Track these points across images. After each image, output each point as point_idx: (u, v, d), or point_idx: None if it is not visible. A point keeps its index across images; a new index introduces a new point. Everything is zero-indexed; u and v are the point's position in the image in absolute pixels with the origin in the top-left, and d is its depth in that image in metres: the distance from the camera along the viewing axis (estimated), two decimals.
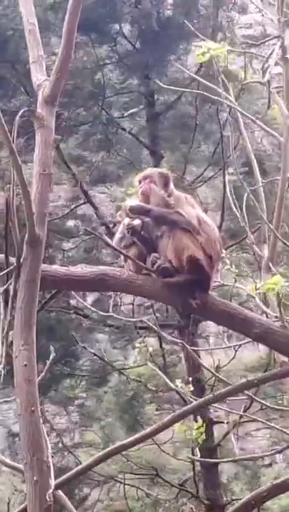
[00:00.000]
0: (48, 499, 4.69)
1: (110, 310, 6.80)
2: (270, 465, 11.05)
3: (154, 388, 14.63)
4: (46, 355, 5.42)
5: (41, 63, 5.16)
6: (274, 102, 5.84)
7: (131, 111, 15.74)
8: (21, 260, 4.88)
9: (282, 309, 5.39)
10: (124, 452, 13.87)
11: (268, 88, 5.62)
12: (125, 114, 15.67)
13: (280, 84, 5.73)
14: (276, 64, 5.59)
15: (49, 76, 5.09)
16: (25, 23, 5.19)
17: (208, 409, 12.48)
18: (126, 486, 14.34)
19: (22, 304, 4.86)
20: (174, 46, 14.73)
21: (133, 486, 14.43)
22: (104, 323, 14.52)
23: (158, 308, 12.79)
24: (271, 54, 5.41)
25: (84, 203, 14.81)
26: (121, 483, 14.41)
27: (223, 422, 12.81)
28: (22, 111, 4.91)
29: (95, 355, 14.76)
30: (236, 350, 8.88)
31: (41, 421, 4.82)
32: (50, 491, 4.72)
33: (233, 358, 9.82)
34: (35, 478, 4.68)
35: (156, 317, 10.01)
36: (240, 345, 7.45)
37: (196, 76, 6.19)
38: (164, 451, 13.49)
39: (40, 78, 5.10)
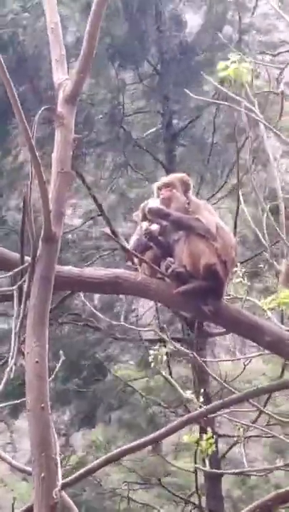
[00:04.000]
0: (55, 496, 4.49)
1: (122, 319, 6.59)
2: (270, 472, 10.81)
3: (161, 402, 14.44)
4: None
5: (63, 62, 5.01)
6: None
7: (149, 131, 15.64)
8: (36, 257, 4.69)
9: None
10: (129, 462, 13.88)
11: (282, 99, 5.43)
12: (144, 135, 15.54)
13: None
14: None
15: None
16: (48, 22, 5.03)
17: (214, 422, 12.25)
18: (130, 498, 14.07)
19: (35, 301, 4.67)
20: (194, 70, 14.58)
21: (135, 501, 14.09)
22: (113, 335, 14.34)
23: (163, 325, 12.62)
24: (287, 66, 5.22)
25: (99, 215, 14.59)
26: (123, 496, 14.10)
27: (228, 436, 12.54)
28: (42, 108, 4.74)
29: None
30: (246, 365, 8.70)
31: (50, 418, 4.62)
32: (58, 488, 4.53)
33: (243, 371, 9.63)
34: (42, 475, 4.50)
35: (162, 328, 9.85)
36: (250, 358, 7.28)
37: (219, 86, 5.92)
38: (168, 462, 13.23)
39: (62, 77, 4.94)
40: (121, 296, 14.21)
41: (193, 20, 15.59)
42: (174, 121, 15.28)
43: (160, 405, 14.60)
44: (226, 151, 14.92)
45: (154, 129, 15.56)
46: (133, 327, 11.14)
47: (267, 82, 6.19)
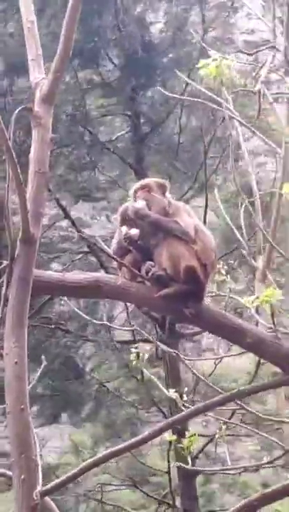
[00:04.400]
0: (35, 497, 4.45)
1: (105, 319, 6.49)
2: (256, 470, 10.76)
3: (135, 403, 14.36)
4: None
5: (39, 62, 4.91)
6: (266, 109, 5.58)
7: (117, 135, 15.53)
8: (14, 259, 4.63)
9: (275, 320, 5.13)
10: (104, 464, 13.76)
11: (259, 97, 5.35)
12: (113, 138, 15.43)
13: (279, 90, 5.47)
14: (275, 70, 5.33)
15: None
16: (24, 22, 4.91)
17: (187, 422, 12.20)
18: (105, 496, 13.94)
19: (14, 302, 4.62)
20: (161, 69, 14.51)
21: (108, 504, 13.95)
22: (85, 337, 14.23)
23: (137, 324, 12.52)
24: (264, 64, 5.15)
25: (64, 218, 14.45)
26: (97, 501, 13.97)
27: (204, 436, 12.45)
28: (19, 109, 4.62)
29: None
30: (216, 364, 8.65)
31: (30, 419, 4.57)
32: (38, 489, 4.49)
33: (214, 371, 9.56)
34: (22, 477, 4.46)
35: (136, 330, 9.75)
36: (221, 358, 7.25)
37: (193, 83, 5.83)
38: (142, 463, 13.14)
39: (38, 77, 4.84)
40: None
41: (157, 20, 15.51)
42: (142, 124, 15.14)
43: (134, 406, 14.51)
44: (194, 151, 14.84)
45: (122, 132, 15.45)
46: (115, 326, 11.03)
47: (249, 80, 6.12)
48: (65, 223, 14.92)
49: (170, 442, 6.18)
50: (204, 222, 13.03)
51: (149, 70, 14.67)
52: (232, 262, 13.13)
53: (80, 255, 14.70)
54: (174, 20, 15.15)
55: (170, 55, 14.91)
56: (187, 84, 13.14)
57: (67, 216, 14.33)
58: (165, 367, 13.19)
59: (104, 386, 14.34)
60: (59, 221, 14.87)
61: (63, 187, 15.21)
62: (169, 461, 12.66)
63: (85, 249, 14.59)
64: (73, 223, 14.29)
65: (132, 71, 14.89)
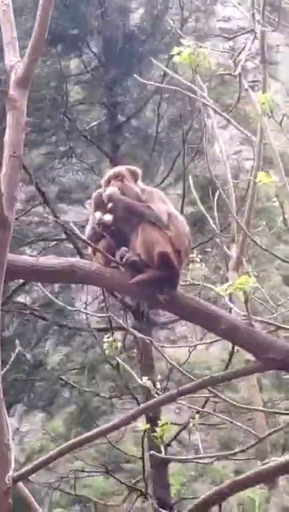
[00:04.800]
0: (8, 482, 4.46)
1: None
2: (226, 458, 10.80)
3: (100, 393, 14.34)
4: None
5: (15, 45, 4.85)
6: (244, 97, 5.55)
7: (94, 123, 15.45)
8: None
9: (249, 307, 5.11)
10: (77, 450, 13.74)
11: (240, 81, 5.32)
12: (87, 127, 15.34)
13: (255, 79, 5.44)
14: (251, 58, 5.30)
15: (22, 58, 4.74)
16: None
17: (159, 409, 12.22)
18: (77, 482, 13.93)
19: None
20: (139, 58, 14.42)
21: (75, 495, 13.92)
22: (57, 323, 14.16)
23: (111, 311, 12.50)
24: (244, 48, 5.11)
25: (40, 204, 14.34)
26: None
27: (177, 424, 12.44)
28: None
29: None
30: (190, 352, 8.62)
31: (3, 404, 4.52)
32: (10, 473, 4.49)
33: (188, 358, 9.54)
34: None
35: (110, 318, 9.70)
36: (195, 345, 7.23)
37: (169, 71, 5.77)
38: (118, 449, 13.13)
39: (13, 60, 4.77)
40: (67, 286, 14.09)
41: (136, 8, 15.42)
42: (119, 112, 15.08)
43: (99, 396, 14.47)
44: (170, 140, 14.81)
45: (97, 122, 15.37)
46: (90, 313, 10.97)
47: (225, 68, 6.09)
48: (40, 209, 14.81)
49: (145, 430, 6.13)
50: (181, 211, 13.04)
51: (128, 60, 14.59)
52: (209, 250, 13.17)
53: (56, 242, 14.62)
54: (153, 9, 15.08)
55: (149, 45, 14.81)
56: (165, 73, 13.10)
57: (45, 201, 14.21)
58: (139, 355, 13.17)
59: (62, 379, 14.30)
60: (36, 206, 14.74)
61: (41, 172, 15.14)
62: (143, 448, 12.64)
63: (62, 236, 14.51)
64: (51, 208, 14.18)
65: (111, 60, 14.82)
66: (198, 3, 15.78)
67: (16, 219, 13.03)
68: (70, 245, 14.14)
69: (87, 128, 15.30)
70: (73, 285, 13.92)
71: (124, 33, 14.61)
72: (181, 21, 14.87)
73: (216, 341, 5.92)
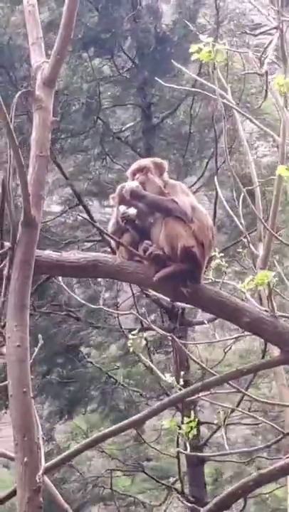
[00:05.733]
0: (38, 480, 4.48)
1: (101, 303, 6.51)
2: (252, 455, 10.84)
3: (141, 391, 14.41)
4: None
5: (40, 45, 4.97)
6: (263, 93, 5.58)
7: (128, 125, 15.58)
8: (16, 242, 4.68)
9: (273, 301, 5.19)
10: (110, 449, 13.83)
11: (266, 79, 5.36)
12: (123, 128, 15.48)
13: (271, 75, 5.49)
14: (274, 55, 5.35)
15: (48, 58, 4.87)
16: (24, 4, 4.97)
17: (195, 408, 12.29)
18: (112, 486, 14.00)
19: (16, 285, 4.66)
20: (171, 61, 14.49)
21: (115, 491, 13.99)
22: (92, 324, 14.29)
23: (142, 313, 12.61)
24: (269, 44, 5.16)
25: (77, 205, 14.48)
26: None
27: (210, 423, 12.51)
28: (20, 92, 4.70)
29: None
30: (226, 352, 8.63)
31: (32, 402, 4.61)
32: (41, 472, 4.53)
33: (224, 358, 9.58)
34: (25, 460, 4.49)
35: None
36: (228, 340, 7.26)
37: (193, 75, 5.87)
38: (151, 446, 13.20)
39: (39, 60, 4.89)
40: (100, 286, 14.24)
41: (167, 11, 15.52)
42: (152, 114, 15.19)
43: (141, 395, 14.58)
44: (203, 140, 14.88)
45: (131, 123, 15.49)
46: (112, 311, 11.06)
47: (245, 65, 6.15)
48: (75, 211, 14.94)
49: (179, 427, 6.18)
50: (214, 211, 13.11)
51: (160, 61, 14.70)
52: (241, 250, 13.20)
53: (92, 244, 14.75)
54: (185, 10, 15.16)
55: (180, 46, 14.88)
56: (198, 73, 13.15)
57: (80, 203, 14.36)
58: (173, 354, 13.25)
59: (111, 377, 14.42)
60: (73, 207, 14.89)
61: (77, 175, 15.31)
62: (178, 447, 12.69)
63: (97, 238, 14.64)
64: (87, 210, 14.32)
65: (144, 62, 14.95)
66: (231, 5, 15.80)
67: (46, 222, 13.32)
68: (105, 247, 14.26)
69: (123, 129, 15.44)
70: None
71: (156, 34, 14.72)
72: (216, 22, 14.92)
73: (242, 336, 5.96)
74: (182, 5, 15.23)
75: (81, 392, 14.82)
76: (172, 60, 7.13)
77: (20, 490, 4.53)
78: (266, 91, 6.15)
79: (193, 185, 14.20)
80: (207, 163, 14.53)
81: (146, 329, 9.67)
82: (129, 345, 5.95)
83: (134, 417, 5.34)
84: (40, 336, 5.34)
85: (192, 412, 6.25)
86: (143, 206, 5.14)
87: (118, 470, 14.34)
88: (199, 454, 11.49)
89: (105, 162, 15.33)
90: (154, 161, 5.48)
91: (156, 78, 7.96)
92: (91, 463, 14.72)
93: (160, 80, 7.10)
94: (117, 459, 14.33)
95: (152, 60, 14.80)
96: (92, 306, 6.75)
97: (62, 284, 6.11)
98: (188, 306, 6.31)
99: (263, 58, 6.01)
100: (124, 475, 14.63)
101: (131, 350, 5.90)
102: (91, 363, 14.63)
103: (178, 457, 11.67)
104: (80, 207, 14.47)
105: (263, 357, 10.69)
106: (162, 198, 5.18)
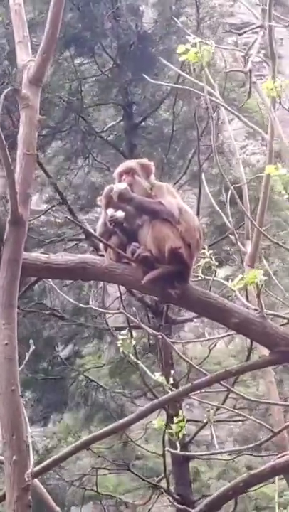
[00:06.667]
0: (27, 479, 4.47)
1: (90, 302, 6.44)
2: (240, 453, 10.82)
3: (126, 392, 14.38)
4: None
5: (26, 44, 4.91)
6: (254, 91, 5.55)
7: (110, 124, 15.51)
8: (4, 240, 4.64)
9: (262, 301, 5.14)
10: (96, 448, 13.78)
11: (250, 77, 5.33)
12: (105, 128, 15.41)
13: (259, 73, 5.45)
14: (257, 52, 5.31)
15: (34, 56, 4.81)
16: (11, 4, 4.91)
17: (181, 407, 12.22)
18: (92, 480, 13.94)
19: (4, 283, 4.63)
20: (153, 59, 14.45)
21: (98, 493, 13.91)
22: (77, 323, 14.22)
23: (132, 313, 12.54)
24: (253, 43, 5.12)
25: (60, 204, 14.39)
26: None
27: (197, 421, 12.44)
28: (7, 90, 4.62)
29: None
30: (211, 349, 8.61)
31: (21, 401, 4.58)
32: (29, 470, 4.51)
33: (208, 356, 9.56)
34: (14, 458, 4.48)
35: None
36: (215, 339, 7.22)
37: (180, 71, 5.81)
38: (137, 445, 13.15)
39: (25, 59, 4.83)
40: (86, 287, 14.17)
41: (148, 9, 15.45)
42: (134, 113, 15.12)
43: (124, 395, 14.52)
44: (186, 139, 14.83)
45: (113, 122, 15.43)
46: (102, 310, 11.02)
47: (231, 63, 6.11)
48: (59, 209, 14.85)
49: (166, 426, 6.12)
50: (198, 209, 13.07)
51: (142, 60, 14.63)
52: (228, 248, 13.19)
53: (75, 243, 14.66)
54: (166, 9, 15.10)
55: (162, 45, 14.84)
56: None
57: (64, 202, 14.26)
58: (158, 353, 13.20)
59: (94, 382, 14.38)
60: (56, 205, 14.78)
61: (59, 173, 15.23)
62: (164, 446, 12.67)
63: (81, 236, 14.55)
64: (70, 209, 14.23)
65: (125, 61, 14.87)
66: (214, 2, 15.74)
67: (31, 220, 13.23)
68: (90, 246, 14.19)
69: (104, 129, 15.38)
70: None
71: (137, 33, 14.65)
72: (197, 20, 14.85)
73: (229, 335, 5.92)
74: (164, 3, 15.16)
75: (62, 394, 14.74)
76: (159, 57, 7.04)
77: (8, 489, 4.51)
78: (250, 89, 6.12)
79: (176, 182, 14.14)
80: (190, 161, 14.46)
81: (135, 328, 9.64)
82: (118, 344, 5.91)
83: (123, 419, 5.30)
84: (31, 341, 5.27)
85: (180, 411, 6.19)
86: (131, 208, 5.09)
87: (104, 469, 14.27)
88: (188, 453, 11.41)
89: (88, 161, 15.25)
90: (141, 162, 5.45)
91: (143, 74, 7.83)
92: (78, 462, 14.66)
93: (146, 76, 6.94)
94: (104, 458, 14.25)
95: (134, 59, 14.72)
96: (82, 305, 6.67)
97: (52, 283, 6.04)
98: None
99: (247, 57, 5.97)
100: (110, 473, 14.56)
101: (121, 349, 5.87)
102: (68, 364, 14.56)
103: (164, 456, 11.64)
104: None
105: (248, 357, 10.76)
106: (149, 200, 5.15)
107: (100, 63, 15.20)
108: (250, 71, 5.43)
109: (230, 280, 5.33)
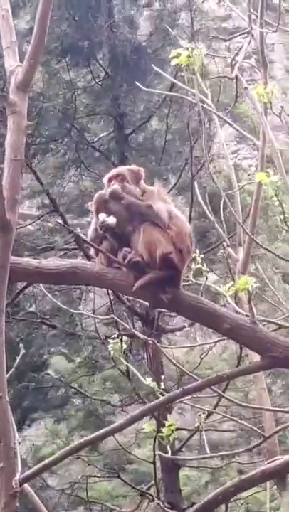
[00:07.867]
0: (14, 485, 4.40)
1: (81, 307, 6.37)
2: (233, 457, 10.70)
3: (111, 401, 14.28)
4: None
5: (14, 50, 4.83)
6: (243, 96, 5.48)
7: (101, 135, 15.46)
8: None
9: (253, 306, 5.06)
10: (86, 455, 13.66)
11: (236, 83, 5.27)
12: (96, 139, 15.36)
13: (251, 78, 5.40)
14: (248, 57, 5.25)
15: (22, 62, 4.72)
16: None
17: (171, 412, 12.17)
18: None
19: None
20: (146, 71, 14.41)
21: (88, 500, 13.77)
22: (67, 332, 14.12)
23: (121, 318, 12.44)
24: (240, 49, 5.06)
25: (52, 212, 14.29)
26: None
27: (186, 429, 12.33)
28: None
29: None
30: (202, 358, 8.51)
31: (8, 407, 4.44)
32: (17, 477, 4.43)
33: (200, 364, 9.45)
34: (1, 465, 4.40)
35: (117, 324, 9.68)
36: (206, 345, 7.14)
37: (173, 79, 5.73)
38: (128, 452, 13.04)
39: (13, 64, 4.75)
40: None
41: (143, 22, 15.43)
42: (126, 124, 15.07)
43: (109, 403, 14.42)
44: (177, 150, 14.79)
45: (106, 133, 15.38)
46: (92, 315, 10.95)
47: (222, 68, 6.05)
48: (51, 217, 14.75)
49: (157, 431, 6.04)
50: (190, 219, 13.00)
51: (135, 71, 14.58)
52: (222, 252, 13.11)
53: (66, 251, 14.55)
54: (161, 21, 15.08)
55: (156, 56, 14.78)
56: (172, 85, 13.06)
57: (56, 209, 14.18)
58: (148, 359, 13.12)
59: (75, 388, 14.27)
60: (49, 213, 14.68)
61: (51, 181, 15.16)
62: (154, 452, 12.55)
63: (72, 245, 14.45)
64: (62, 216, 14.13)
65: (119, 72, 14.84)
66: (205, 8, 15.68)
67: (20, 228, 13.11)
68: (81, 254, 14.08)
69: (96, 140, 15.32)
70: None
71: (132, 45, 14.61)
72: (191, 32, 14.80)
73: (220, 340, 5.83)
74: (161, 15, 15.14)
75: (54, 399, 14.64)
76: (152, 65, 6.97)
77: None
78: (236, 95, 6.06)
79: (169, 192, 14.03)
80: (181, 171, 14.41)
81: (126, 335, 9.53)
82: (110, 349, 5.84)
83: (113, 425, 5.21)
84: (21, 345, 5.19)
85: (168, 416, 6.13)
86: (122, 212, 5.00)
87: (94, 476, 14.14)
88: (179, 457, 11.30)
89: (80, 170, 15.18)
90: (131, 168, 5.39)
91: (135, 82, 7.77)
92: (69, 467, 14.55)
93: (139, 84, 6.88)
94: (93, 465, 14.13)
95: (127, 70, 14.69)
96: (73, 310, 6.58)
97: (42, 289, 5.95)
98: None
99: (233, 63, 5.91)
100: (101, 481, 14.42)
101: (112, 354, 5.80)
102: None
103: (154, 462, 11.53)
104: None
105: (238, 363, 10.70)
106: (139, 202, 5.09)
107: (94, 73, 15.16)
108: (236, 77, 5.37)
109: (220, 286, 5.26)
